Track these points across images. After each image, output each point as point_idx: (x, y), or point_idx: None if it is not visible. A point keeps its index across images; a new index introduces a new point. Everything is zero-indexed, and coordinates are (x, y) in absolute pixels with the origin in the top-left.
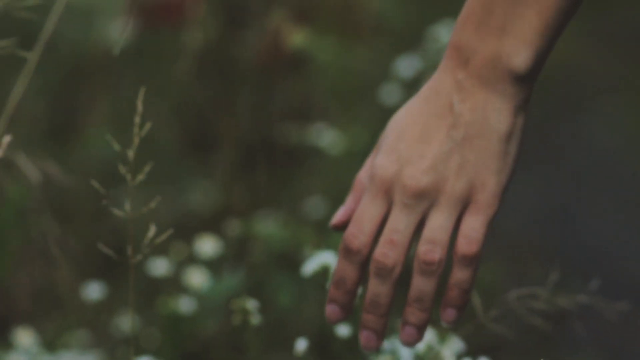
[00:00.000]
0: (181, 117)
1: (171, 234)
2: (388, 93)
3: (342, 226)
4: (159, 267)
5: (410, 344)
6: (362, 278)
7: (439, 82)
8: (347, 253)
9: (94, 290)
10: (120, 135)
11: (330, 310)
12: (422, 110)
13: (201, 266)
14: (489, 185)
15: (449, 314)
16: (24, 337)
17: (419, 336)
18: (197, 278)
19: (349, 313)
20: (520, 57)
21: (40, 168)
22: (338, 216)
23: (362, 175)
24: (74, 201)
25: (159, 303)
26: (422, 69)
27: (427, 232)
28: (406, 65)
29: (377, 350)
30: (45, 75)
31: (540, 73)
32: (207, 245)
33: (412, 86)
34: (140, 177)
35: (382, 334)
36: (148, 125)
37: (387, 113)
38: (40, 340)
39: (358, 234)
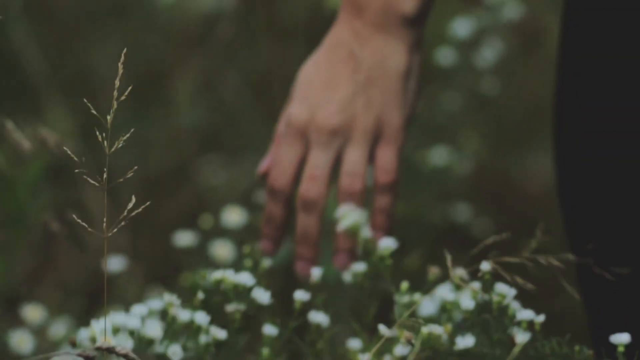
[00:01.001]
0: (257, 84)
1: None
2: (444, 55)
3: (267, 174)
4: (184, 239)
5: (343, 268)
6: (288, 215)
7: (339, 34)
8: (272, 194)
9: (115, 263)
10: (207, 102)
11: (263, 244)
12: (326, 60)
13: (228, 238)
14: (394, 120)
15: (379, 236)
16: (33, 314)
17: (350, 261)
18: (223, 250)
19: (279, 246)
20: (407, 3)
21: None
22: (263, 166)
23: (281, 127)
24: (156, 170)
25: (182, 277)
26: (479, 29)
27: (346, 166)
28: (463, 26)
29: (310, 276)
30: (137, 41)
31: (428, 15)
32: (234, 217)
33: (469, 46)
34: (119, 143)
35: (315, 261)
36: (129, 88)
37: (444, 73)
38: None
39: (279, 176)
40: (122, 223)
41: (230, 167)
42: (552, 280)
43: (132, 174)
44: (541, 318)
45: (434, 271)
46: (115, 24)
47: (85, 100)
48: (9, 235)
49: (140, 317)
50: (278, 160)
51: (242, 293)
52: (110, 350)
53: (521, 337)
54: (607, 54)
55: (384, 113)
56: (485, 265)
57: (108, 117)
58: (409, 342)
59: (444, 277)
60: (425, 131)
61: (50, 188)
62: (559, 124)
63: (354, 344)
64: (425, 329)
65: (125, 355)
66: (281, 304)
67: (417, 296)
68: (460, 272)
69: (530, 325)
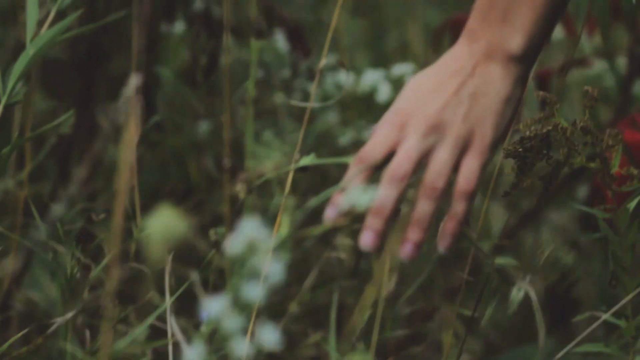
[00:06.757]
0: None
1: None
2: None
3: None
4: None
5: (409, 257)
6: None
7: (457, 51)
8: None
9: None
10: None
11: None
12: (439, 71)
13: None
14: (486, 136)
15: (445, 241)
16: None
17: (416, 251)
18: None
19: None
20: (515, 42)
21: None
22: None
23: (368, 149)
24: None
25: None
26: None
27: (433, 164)
28: None
29: (375, 249)
30: None
31: (536, 55)
32: None
33: None
34: None
35: (382, 235)
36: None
37: None
38: None
39: (371, 153)
40: None
41: None
42: None
43: None
44: None
45: None
46: None
47: None
48: None
49: None
50: (375, 140)
51: None
52: None
53: None
54: None
55: (479, 127)
56: None
57: None
58: None
59: None
60: None
61: None
62: None
63: None
64: None
65: None
66: None
67: None
68: None
69: None
